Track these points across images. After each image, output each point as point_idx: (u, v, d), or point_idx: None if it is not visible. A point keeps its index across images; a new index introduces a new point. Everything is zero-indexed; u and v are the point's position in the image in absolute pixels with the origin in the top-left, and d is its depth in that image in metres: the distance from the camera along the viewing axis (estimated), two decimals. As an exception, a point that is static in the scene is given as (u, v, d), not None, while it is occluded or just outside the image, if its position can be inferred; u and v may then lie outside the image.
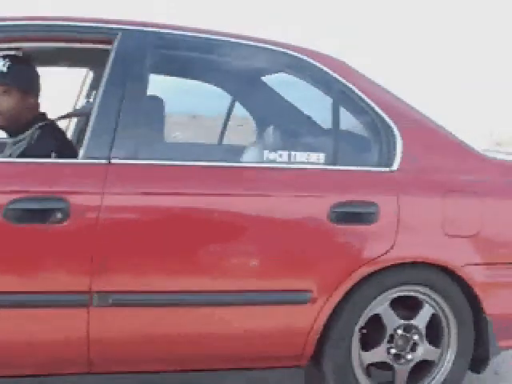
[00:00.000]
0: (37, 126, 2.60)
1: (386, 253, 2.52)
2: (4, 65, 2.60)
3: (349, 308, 2.54)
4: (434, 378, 2.72)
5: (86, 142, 2.34)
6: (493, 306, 2.68)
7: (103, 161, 2.31)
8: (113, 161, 2.31)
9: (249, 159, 2.70)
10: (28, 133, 2.60)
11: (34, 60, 2.70)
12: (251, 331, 2.45)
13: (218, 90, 3.35)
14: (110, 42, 2.45)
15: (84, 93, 3.53)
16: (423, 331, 2.65)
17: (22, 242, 2.21)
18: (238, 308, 2.42)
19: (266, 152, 2.57)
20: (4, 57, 2.62)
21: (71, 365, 2.33)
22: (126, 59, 2.43)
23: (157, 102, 2.63)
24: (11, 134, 2.71)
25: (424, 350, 2.67)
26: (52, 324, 2.26)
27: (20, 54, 2.65)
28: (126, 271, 2.30)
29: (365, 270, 2.50)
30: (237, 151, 3.06)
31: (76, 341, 2.28)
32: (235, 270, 2.41)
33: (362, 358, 2.61)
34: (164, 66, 2.90)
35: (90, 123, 2.37)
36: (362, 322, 2.58)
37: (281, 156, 2.56)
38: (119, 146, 2.34)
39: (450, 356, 2.71)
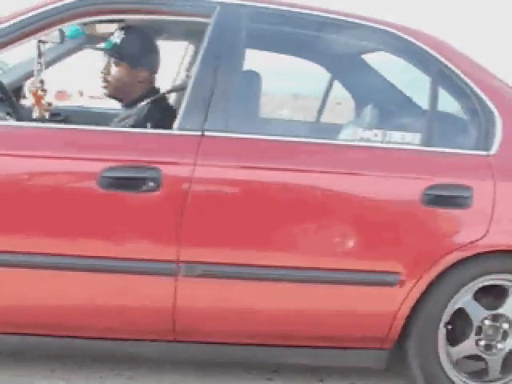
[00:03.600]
0: (148, 100, 2.67)
1: (478, 239, 2.43)
2: (118, 36, 2.69)
3: (437, 294, 2.47)
4: None
5: (180, 113, 2.38)
6: None
7: (197, 133, 2.34)
8: (206, 133, 2.35)
9: (344, 137, 2.68)
10: (139, 107, 2.67)
11: (151, 36, 2.77)
12: (338, 310, 2.43)
13: (319, 71, 3.33)
14: (208, 16, 2.47)
15: (184, 67, 3.59)
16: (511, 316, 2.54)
17: (114, 210, 2.28)
18: (326, 286, 2.41)
19: (360, 130, 2.54)
20: (121, 28, 2.70)
21: (157, 332, 2.39)
22: (223, 33, 2.45)
23: (253, 76, 2.63)
24: (123, 105, 2.80)
25: None
26: (140, 291, 2.33)
27: (136, 28, 2.72)
28: (214, 243, 2.33)
29: (455, 256, 2.43)
30: (333, 129, 3.04)
31: (163, 309, 2.34)
32: (324, 248, 2.40)
33: (450, 353, 2.54)
34: (261, 41, 2.90)
35: (186, 96, 2.40)
36: (447, 314, 2.50)
37: (376, 135, 2.52)
38: (212, 118, 2.36)
39: None
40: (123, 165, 2.28)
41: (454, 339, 2.54)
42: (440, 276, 2.44)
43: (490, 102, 2.55)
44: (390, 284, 2.41)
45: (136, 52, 2.71)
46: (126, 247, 2.32)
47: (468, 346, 2.53)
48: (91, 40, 3.22)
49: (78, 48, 3.39)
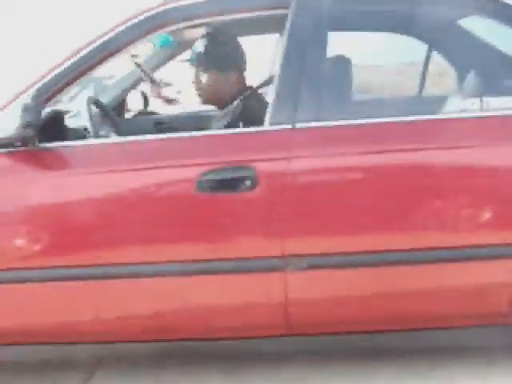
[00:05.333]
0: (240, 98, 2.69)
1: None
2: (201, 45, 2.72)
3: None
4: None
5: (270, 108, 2.36)
6: None
7: (288, 126, 2.32)
8: (297, 125, 2.32)
9: (447, 110, 2.56)
10: (232, 106, 2.69)
11: (233, 36, 2.79)
12: (466, 288, 2.34)
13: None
14: (287, 6, 2.43)
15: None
16: None
17: (214, 212, 2.31)
18: (450, 264, 2.31)
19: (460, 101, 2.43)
20: (203, 36, 2.73)
21: (271, 328, 2.40)
22: (303, 19, 2.41)
23: (341, 61, 2.58)
24: (219, 109, 2.84)
25: None
26: (250, 289, 2.34)
27: (217, 32, 2.73)
28: (319, 233, 2.31)
29: None
30: (435, 102, 2.93)
31: (274, 304, 2.34)
32: (439, 226, 2.30)
33: None
34: (346, 21, 2.83)
35: (274, 89, 2.39)
36: None
37: (473, 104, 2.40)
38: (303, 109, 2.33)
39: None
40: (219, 167, 2.29)
41: None
42: None
43: None
44: None
45: (220, 56, 2.72)
46: (232, 247, 2.33)
47: None
48: (182, 47, 3.27)
49: (171, 57, 3.45)
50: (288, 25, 2.41)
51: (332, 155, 2.32)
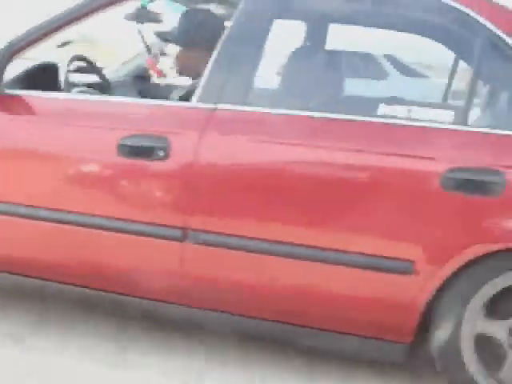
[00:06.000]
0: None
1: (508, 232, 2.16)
2: (180, 21, 2.89)
3: (467, 282, 2.25)
4: None
5: (200, 85, 2.45)
6: None
7: (210, 105, 2.40)
8: (219, 106, 2.39)
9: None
10: (195, 81, 2.75)
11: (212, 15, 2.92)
12: (347, 293, 2.33)
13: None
14: None
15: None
16: None
17: (130, 176, 2.45)
18: (335, 267, 2.31)
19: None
20: (182, 13, 2.90)
21: (166, 293, 2.50)
22: (249, 7, 2.48)
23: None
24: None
25: None
26: (151, 254, 2.46)
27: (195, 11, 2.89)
28: (218, 212, 2.38)
29: (480, 249, 2.19)
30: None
31: (169, 272, 2.45)
32: (337, 229, 2.32)
33: (477, 326, 2.29)
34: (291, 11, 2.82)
35: (208, 68, 2.47)
36: (483, 294, 2.26)
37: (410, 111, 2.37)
38: (228, 92, 2.41)
39: None
40: (137, 134, 2.43)
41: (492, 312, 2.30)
42: (466, 267, 2.22)
43: None
44: (403, 272, 2.25)
45: (195, 33, 2.83)
46: (141, 212, 2.45)
47: (500, 328, 2.28)
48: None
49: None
50: (236, 11, 2.49)
51: (241, 139, 2.38)
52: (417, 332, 2.33)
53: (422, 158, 2.25)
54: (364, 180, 2.29)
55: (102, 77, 3.19)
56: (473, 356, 2.30)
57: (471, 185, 2.19)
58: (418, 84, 9.11)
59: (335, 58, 2.73)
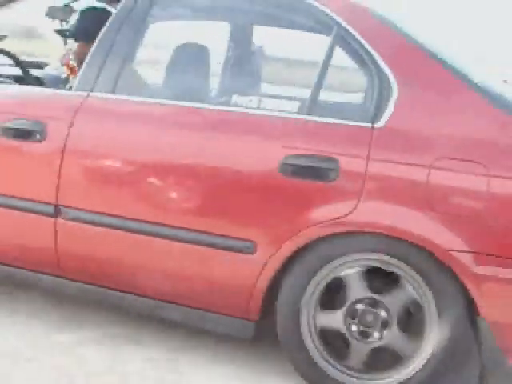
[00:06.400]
0: None
1: (343, 216, 2.28)
2: (75, 19, 3.15)
3: (300, 268, 2.39)
4: (399, 372, 2.37)
5: (79, 74, 2.69)
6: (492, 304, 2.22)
7: (84, 93, 2.63)
8: (92, 93, 2.62)
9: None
10: None
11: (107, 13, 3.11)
12: (197, 271, 2.50)
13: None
14: None
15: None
16: (394, 313, 2.34)
17: (13, 156, 2.69)
18: (177, 244, 2.49)
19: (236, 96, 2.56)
20: (78, 12, 3.14)
21: (45, 265, 2.71)
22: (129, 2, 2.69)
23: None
24: None
25: (391, 336, 2.35)
26: (28, 229, 2.69)
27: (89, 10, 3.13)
28: (85, 192, 2.59)
29: (317, 231, 2.32)
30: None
31: (44, 245, 2.66)
32: (182, 207, 2.50)
33: (316, 318, 2.43)
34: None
35: (87, 59, 2.71)
36: (316, 283, 2.39)
37: (251, 101, 2.51)
38: (102, 82, 2.63)
39: (423, 353, 2.33)
40: (18, 117, 2.67)
41: (328, 305, 2.43)
42: (305, 248, 2.36)
43: (391, 74, 2.36)
44: (244, 252, 2.40)
45: (88, 30, 3.03)
46: (22, 189, 2.67)
47: (336, 318, 2.40)
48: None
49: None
50: (118, 7, 2.71)
51: (107, 124, 2.59)
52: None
53: (262, 144, 2.40)
54: (212, 163, 2.45)
55: (25, 71, 3.45)
56: (315, 343, 2.44)
57: (307, 171, 2.33)
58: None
59: (203, 52, 2.89)
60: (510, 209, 2.18)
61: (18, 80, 3.31)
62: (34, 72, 3.59)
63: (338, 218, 2.29)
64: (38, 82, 3.50)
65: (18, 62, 3.36)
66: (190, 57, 2.85)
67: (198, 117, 2.51)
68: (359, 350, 2.39)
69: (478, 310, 2.23)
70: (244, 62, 3.30)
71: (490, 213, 2.19)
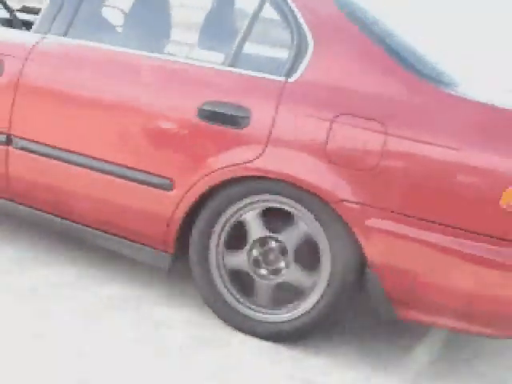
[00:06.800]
0: None
1: (250, 161, 2.48)
2: None
3: (209, 206, 2.61)
4: (298, 305, 2.58)
5: (37, 19, 2.94)
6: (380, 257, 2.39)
7: (40, 36, 2.89)
8: (46, 36, 2.89)
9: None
10: None
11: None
12: (120, 202, 2.74)
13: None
14: None
15: None
16: (291, 249, 2.55)
17: None
18: (103, 175, 2.74)
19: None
20: None
21: None
22: None
23: None
24: None
25: (290, 272, 2.56)
26: None
27: None
28: (32, 122, 2.85)
29: (225, 173, 2.52)
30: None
31: None
32: (109, 142, 2.72)
33: (225, 258, 2.65)
34: None
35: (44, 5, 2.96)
36: (220, 225, 2.61)
37: (181, 51, 2.71)
38: (57, 26, 2.89)
39: (318, 287, 2.53)
40: None
41: (233, 247, 2.65)
42: (215, 188, 2.58)
43: (309, 32, 2.52)
44: (161, 188, 2.64)
45: None
46: None
47: (240, 257, 2.62)
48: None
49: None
50: None
51: (54, 63, 2.83)
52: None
53: (185, 90, 2.61)
54: (139, 104, 2.67)
55: (12, 14, 3.71)
56: (224, 281, 2.66)
57: (222, 117, 2.53)
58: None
59: (163, 7, 3.09)
60: (402, 167, 2.33)
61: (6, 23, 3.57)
62: (25, 16, 3.85)
63: (245, 163, 2.49)
64: (29, 25, 3.75)
65: (4, 5, 3.59)
66: (144, 5, 3.06)
67: (132, 62, 2.73)
68: (263, 287, 2.60)
69: (368, 261, 2.40)
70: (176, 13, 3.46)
71: (383, 169, 2.34)
